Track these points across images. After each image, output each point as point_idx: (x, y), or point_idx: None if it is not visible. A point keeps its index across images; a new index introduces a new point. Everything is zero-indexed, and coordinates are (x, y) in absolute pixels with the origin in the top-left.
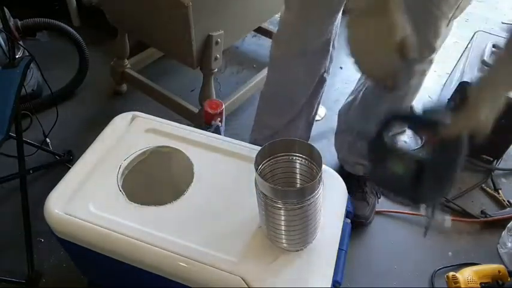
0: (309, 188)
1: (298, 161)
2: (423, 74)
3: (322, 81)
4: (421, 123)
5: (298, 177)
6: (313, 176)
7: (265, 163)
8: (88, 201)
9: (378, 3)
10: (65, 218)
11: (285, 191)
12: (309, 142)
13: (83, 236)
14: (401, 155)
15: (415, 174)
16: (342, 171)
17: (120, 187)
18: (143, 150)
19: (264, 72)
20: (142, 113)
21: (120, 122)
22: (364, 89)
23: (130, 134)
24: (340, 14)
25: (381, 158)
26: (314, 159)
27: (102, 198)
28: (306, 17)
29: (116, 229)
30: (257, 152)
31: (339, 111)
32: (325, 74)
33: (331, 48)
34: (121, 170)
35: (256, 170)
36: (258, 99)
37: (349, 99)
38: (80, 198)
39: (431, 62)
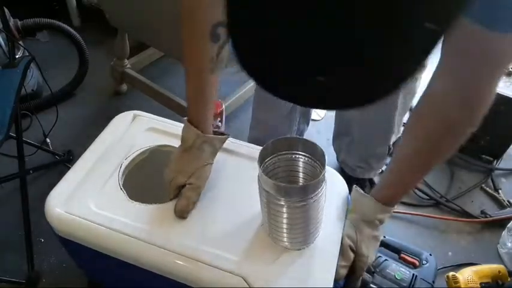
0: (312, 185)
1: (301, 160)
2: (416, 80)
3: None
4: None
5: (301, 175)
6: (316, 175)
7: (268, 161)
8: (89, 199)
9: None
10: (66, 217)
11: (288, 188)
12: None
13: (84, 235)
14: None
15: None
16: (342, 174)
17: (121, 186)
18: (144, 149)
19: None
20: (143, 112)
21: (121, 121)
22: None
23: (131, 133)
24: None
25: None
26: (317, 157)
27: (103, 197)
28: None
29: (117, 228)
30: (260, 149)
31: (336, 112)
32: None
33: None
34: (122, 168)
35: (260, 167)
36: (253, 95)
37: None
38: (81, 197)
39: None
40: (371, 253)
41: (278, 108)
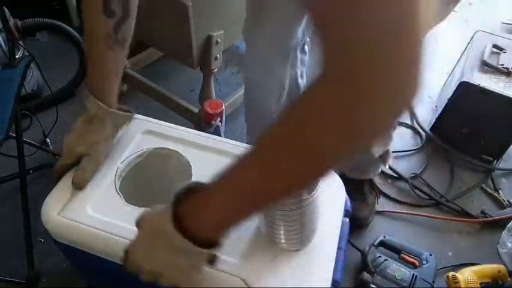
0: None
1: None
2: None
3: (297, 86)
4: None
5: None
6: None
7: None
8: (86, 204)
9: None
10: (63, 222)
11: None
12: None
13: (81, 239)
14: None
15: None
16: (341, 174)
17: (117, 189)
18: (140, 152)
19: None
20: (139, 115)
21: None
22: None
23: (127, 136)
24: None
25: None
26: None
27: (99, 201)
28: (260, 18)
29: (114, 232)
30: None
31: None
32: (300, 78)
33: (298, 53)
34: (118, 172)
35: None
36: (243, 104)
37: None
38: (77, 201)
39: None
40: None
41: (268, 117)
